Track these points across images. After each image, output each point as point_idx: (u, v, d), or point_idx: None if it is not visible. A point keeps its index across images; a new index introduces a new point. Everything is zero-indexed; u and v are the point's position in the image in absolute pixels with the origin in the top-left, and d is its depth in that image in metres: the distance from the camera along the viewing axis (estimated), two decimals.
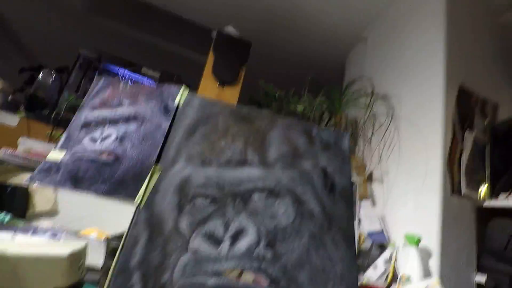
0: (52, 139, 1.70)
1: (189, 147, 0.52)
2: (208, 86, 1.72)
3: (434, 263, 1.30)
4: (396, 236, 1.47)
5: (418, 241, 1.28)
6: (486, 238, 1.36)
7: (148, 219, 0.44)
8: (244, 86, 1.80)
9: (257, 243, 0.47)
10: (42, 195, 1.25)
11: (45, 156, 1.39)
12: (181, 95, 0.55)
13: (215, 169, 0.51)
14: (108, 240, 0.52)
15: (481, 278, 1.30)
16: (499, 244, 1.32)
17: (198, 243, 0.44)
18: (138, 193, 0.44)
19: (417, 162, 1.55)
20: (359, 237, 1.39)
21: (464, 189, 1.37)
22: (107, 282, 0.39)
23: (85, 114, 0.55)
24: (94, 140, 0.51)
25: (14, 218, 1.00)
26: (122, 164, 0.48)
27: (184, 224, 0.46)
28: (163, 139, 0.50)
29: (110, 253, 0.41)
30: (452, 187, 1.41)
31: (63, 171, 0.48)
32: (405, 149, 1.67)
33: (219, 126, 0.56)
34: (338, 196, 0.55)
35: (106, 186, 0.46)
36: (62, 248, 0.62)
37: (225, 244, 0.45)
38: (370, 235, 1.40)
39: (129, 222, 0.43)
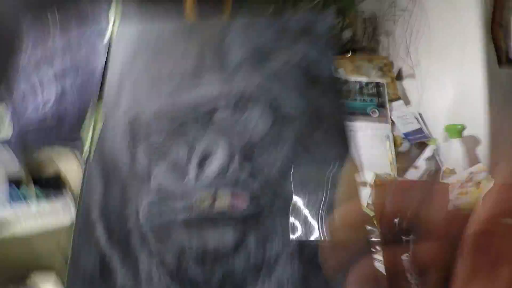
0: None
1: (131, 82, 0.45)
2: None
3: (483, 152, 1.16)
4: (437, 131, 1.32)
5: (461, 131, 1.13)
6: None
7: (101, 170, 0.40)
8: None
9: (229, 162, 0.40)
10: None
11: None
12: (111, 29, 0.47)
13: (165, 98, 0.44)
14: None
15: None
16: None
17: (160, 180, 0.39)
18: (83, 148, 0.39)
19: (452, 41, 1.31)
20: (395, 140, 1.27)
21: None
22: (71, 241, 0.36)
23: (23, 79, 0.50)
24: (36, 109, 0.47)
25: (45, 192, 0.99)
26: (65, 122, 0.42)
27: (141, 164, 0.40)
28: (100, 83, 0.44)
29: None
30: (498, 57, 1.18)
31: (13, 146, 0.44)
32: (436, 31, 1.42)
33: (163, 49, 0.48)
34: (324, 87, 0.45)
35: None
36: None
37: (191, 173, 0.40)
38: (407, 135, 1.27)
39: (81, 177, 0.39)
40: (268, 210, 0.38)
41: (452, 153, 1.15)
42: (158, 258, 0.36)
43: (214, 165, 0.40)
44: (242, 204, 0.38)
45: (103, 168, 0.39)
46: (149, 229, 0.37)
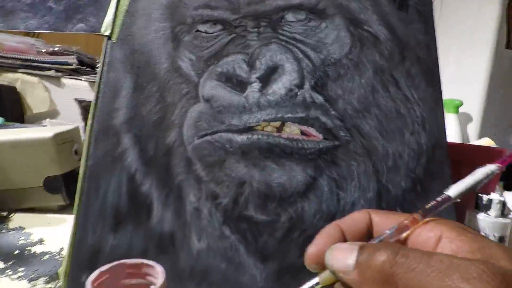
0: (29, 33, 1.46)
1: None
2: None
3: (474, 128, 1.19)
4: None
5: (458, 106, 1.13)
6: None
7: (128, 58, 0.28)
8: None
9: (300, 83, 0.31)
10: (34, 95, 1.09)
11: (23, 51, 1.18)
12: None
13: None
14: (79, 99, 0.38)
15: None
16: None
17: (212, 87, 0.29)
18: (104, 20, 0.27)
19: (465, 14, 1.27)
20: None
21: None
22: (84, 151, 0.25)
23: None
24: None
25: (9, 121, 0.88)
26: None
27: (186, 61, 0.29)
28: None
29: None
30: (508, 39, 1.17)
31: None
32: (451, 2, 1.36)
33: None
34: (413, 13, 0.36)
35: (49, 17, 0.28)
36: (46, 131, 0.50)
37: (254, 87, 0.30)
38: None
39: (100, 64, 0.27)
40: (344, 148, 0.31)
41: (447, 128, 1.16)
42: (208, 189, 0.27)
43: (281, 83, 0.30)
44: (317, 136, 0.30)
45: (132, 55, 0.28)
46: (196, 149, 0.27)
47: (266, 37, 0.32)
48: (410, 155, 0.32)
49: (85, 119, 0.43)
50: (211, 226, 0.26)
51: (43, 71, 1.01)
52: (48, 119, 0.96)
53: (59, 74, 1.03)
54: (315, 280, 0.18)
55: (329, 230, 0.20)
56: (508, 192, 0.85)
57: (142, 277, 0.19)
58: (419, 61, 0.35)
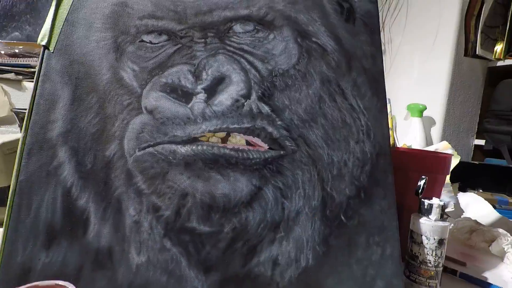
0: None
1: None
2: None
3: (437, 131, 1.25)
4: (398, 109, 1.37)
5: (422, 111, 1.18)
6: (492, 100, 1.27)
7: (67, 68, 0.27)
8: None
9: (247, 94, 0.32)
10: None
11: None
12: None
13: None
14: (16, 110, 0.36)
15: (480, 142, 1.27)
16: (506, 105, 1.24)
17: (156, 98, 0.29)
18: (41, 29, 0.26)
19: (428, 23, 1.34)
20: None
21: (478, 49, 1.21)
22: (16, 164, 0.24)
23: None
24: None
25: None
26: None
27: (129, 72, 0.29)
28: None
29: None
30: (466, 47, 1.24)
31: None
32: (413, 11, 1.42)
33: None
34: (360, 25, 0.37)
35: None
36: None
37: (199, 98, 0.30)
38: None
39: (35, 75, 0.26)
40: (290, 158, 0.31)
41: (411, 131, 1.21)
42: (149, 202, 0.27)
43: (227, 94, 0.31)
44: (261, 145, 0.31)
45: (70, 65, 0.27)
46: (137, 161, 0.27)
47: (213, 47, 0.32)
48: (354, 163, 0.33)
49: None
50: (151, 239, 0.26)
51: (3, 74, 0.97)
52: (3, 127, 0.92)
53: (20, 77, 0.98)
54: None
55: None
56: (463, 193, 0.90)
57: None
58: (365, 71, 0.36)
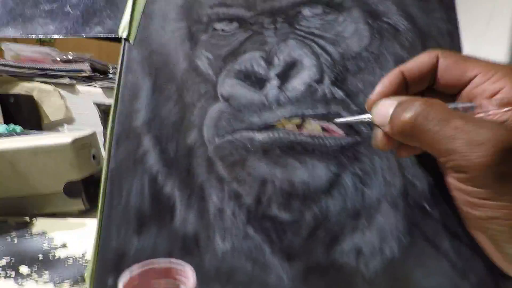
0: (43, 42, 1.49)
1: None
2: None
3: None
4: None
5: None
6: None
7: (146, 59, 0.28)
8: None
9: (320, 79, 0.30)
10: (50, 103, 1.12)
11: (39, 61, 1.21)
12: None
13: None
14: (97, 102, 0.38)
15: None
16: None
17: (231, 85, 0.29)
18: (120, 22, 0.27)
19: (480, 5, 1.24)
20: None
21: None
22: (105, 153, 0.25)
23: None
24: None
25: (27, 130, 0.90)
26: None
27: (204, 60, 0.29)
28: None
29: (107, 118, 0.27)
30: None
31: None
32: None
33: None
34: (433, 1, 0.35)
35: (67, 22, 0.28)
36: (65, 136, 0.50)
37: (272, 84, 0.29)
38: None
39: (118, 66, 0.27)
40: (367, 144, 0.30)
41: None
42: (231, 189, 0.26)
43: (300, 79, 0.30)
44: (338, 132, 0.29)
45: (149, 57, 0.28)
46: (217, 148, 0.27)
47: (283, 33, 0.31)
48: None
49: (104, 122, 0.44)
50: (235, 226, 0.26)
51: (58, 79, 1.04)
52: (65, 125, 0.98)
53: (74, 81, 1.05)
54: (369, 115, 0.23)
55: (390, 78, 0.23)
56: None
57: (172, 278, 0.18)
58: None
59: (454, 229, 0.29)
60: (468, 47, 1.20)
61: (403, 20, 0.34)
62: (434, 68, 0.22)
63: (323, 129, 0.29)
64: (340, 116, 0.30)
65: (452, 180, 0.19)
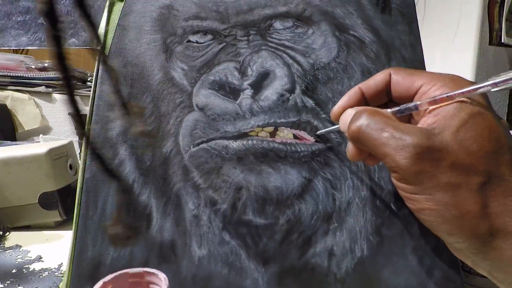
0: (18, 50, 1.45)
1: None
2: None
3: None
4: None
5: None
6: None
7: (121, 70, 0.28)
8: None
9: (291, 88, 0.32)
10: (25, 112, 1.09)
11: (12, 68, 1.17)
12: None
13: None
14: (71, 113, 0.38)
15: None
16: None
17: (206, 96, 0.30)
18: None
19: (448, 13, 1.31)
20: None
21: (504, 37, 1.17)
22: (81, 163, 0.25)
23: None
24: None
25: (0, 140, 0.87)
26: None
27: (179, 71, 0.30)
28: None
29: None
30: (490, 36, 1.21)
31: None
32: (432, 1, 1.40)
33: None
34: (396, 15, 0.37)
35: (41, 33, 0.28)
36: (40, 147, 0.49)
37: (246, 94, 0.30)
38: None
39: (93, 77, 0.27)
40: (336, 150, 0.31)
41: None
42: (206, 196, 0.27)
43: (272, 89, 0.31)
44: (308, 138, 0.31)
45: (125, 71, 0.28)
46: (192, 156, 0.28)
47: (256, 44, 0.32)
48: None
49: (78, 133, 0.43)
50: (211, 232, 0.27)
51: (33, 87, 1.01)
52: (41, 135, 0.96)
53: (50, 89, 1.02)
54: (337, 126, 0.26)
55: (349, 94, 0.26)
56: None
57: (145, 286, 0.19)
58: (405, 60, 0.36)
59: (419, 228, 0.30)
60: (438, 54, 1.26)
61: (368, 33, 0.36)
62: (387, 83, 0.25)
63: (295, 136, 0.31)
64: (310, 123, 0.32)
65: (392, 179, 0.22)
